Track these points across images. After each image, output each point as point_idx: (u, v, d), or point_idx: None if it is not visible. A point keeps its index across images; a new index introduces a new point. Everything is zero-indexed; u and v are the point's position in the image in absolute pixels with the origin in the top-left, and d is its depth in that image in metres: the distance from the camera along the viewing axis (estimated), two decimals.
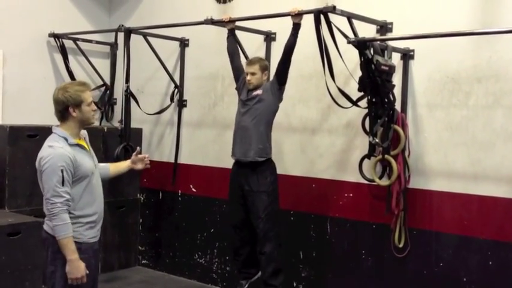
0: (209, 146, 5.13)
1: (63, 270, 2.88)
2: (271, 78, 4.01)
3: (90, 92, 2.98)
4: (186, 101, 5.31)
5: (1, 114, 5.06)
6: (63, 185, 2.81)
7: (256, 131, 3.92)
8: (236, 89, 4.18)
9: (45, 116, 5.31)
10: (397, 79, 3.87)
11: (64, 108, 2.91)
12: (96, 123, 5.74)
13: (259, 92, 3.95)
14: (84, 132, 3.10)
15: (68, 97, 2.88)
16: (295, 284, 4.53)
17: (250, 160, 3.92)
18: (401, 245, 3.94)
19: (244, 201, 4.00)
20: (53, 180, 2.81)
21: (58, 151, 2.84)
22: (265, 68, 4.00)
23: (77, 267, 2.85)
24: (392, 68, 3.66)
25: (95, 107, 3.03)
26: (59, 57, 5.44)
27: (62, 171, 2.80)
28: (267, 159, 3.97)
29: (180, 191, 5.33)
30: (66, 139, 2.89)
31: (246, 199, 3.99)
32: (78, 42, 5.48)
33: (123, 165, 3.39)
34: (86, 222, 2.96)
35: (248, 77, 3.95)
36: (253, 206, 3.95)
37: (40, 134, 4.78)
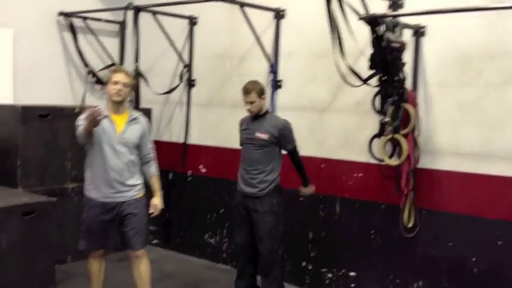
0: (218, 126, 5.12)
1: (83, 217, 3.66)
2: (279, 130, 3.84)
3: (120, 75, 3.53)
4: (195, 80, 5.29)
5: (13, 94, 5.08)
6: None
7: (265, 164, 3.83)
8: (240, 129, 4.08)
9: (56, 95, 5.37)
10: (408, 56, 3.80)
11: None
12: None
13: (264, 136, 3.83)
14: (134, 114, 3.66)
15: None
16: (304, 264, 4.55)
17: (260, 195, 3.84)
18: (410, 225, 3.92)
19: (249, 220, 3.92)
20: (77, 124, 3.52)
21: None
22: (262, 92, 3.87)
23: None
24: (403, 45, 3.59)
25: (119, 87, 3.50)
26: (68, 36, 5.45)
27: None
28: None
29: (189, 172, 5.35)
30: None
31: (250, 218, 3.90)
32: (87, 20, 5.47)
33: (153, 190, 3.83)
34: (91, 182, 3.60)
35: (248, 107, 3.87)
36: (257, 226, 3.86)
37: (51, 113, 4.81)
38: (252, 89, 3.83)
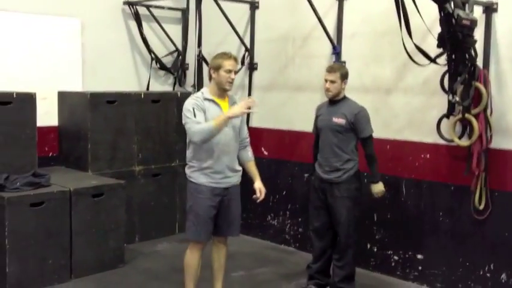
0: (280, 108, 5.13)
1: (189, 204, 3.59)
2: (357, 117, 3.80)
3: (232, 62, 3.45)
4: (256, 64, 5.31)
5: (82, 82, 5.28)
6: (195, 117, 3.39)
7: (343, 150, 3.81)
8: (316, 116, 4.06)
9: (122, 82, 5.55)
10: (478, 33, 3.66)
11: (209, 71, 3.52)
12: (170, 89, 5.89)
13: (340, 121, 3.79)
14: (236, 99, 3.66)
15: (212, 62, 3.50)
16: (369, 246, 4.52)
17: (338, 181, 3.83)
18: (481, 207, 3.82)
19: (326, 205, 3.92)
20: (187, 115, 3.41)
21: (191, 98, 3.51)
22: (345, 76, 3.82)
23: (232, 111, 3.37)
24: (474, 22, 3.46)
25: (233, 76, 3.45)
26: (133, 24, 5.59)
27: (193, 108, 3.41)
28: None
29: None
30: (202, 93, 3.52)
31: (328, 203, 3.91)
32: (151, 8, 5.60)
33: (252, 176, 3.73)
34: (200, 167, 3.49)
35: (327, 85, 3.80)
36: (335, 211, 3.87)
37: (119, 100, 4.97)
38: (337, 69, 3.80)
